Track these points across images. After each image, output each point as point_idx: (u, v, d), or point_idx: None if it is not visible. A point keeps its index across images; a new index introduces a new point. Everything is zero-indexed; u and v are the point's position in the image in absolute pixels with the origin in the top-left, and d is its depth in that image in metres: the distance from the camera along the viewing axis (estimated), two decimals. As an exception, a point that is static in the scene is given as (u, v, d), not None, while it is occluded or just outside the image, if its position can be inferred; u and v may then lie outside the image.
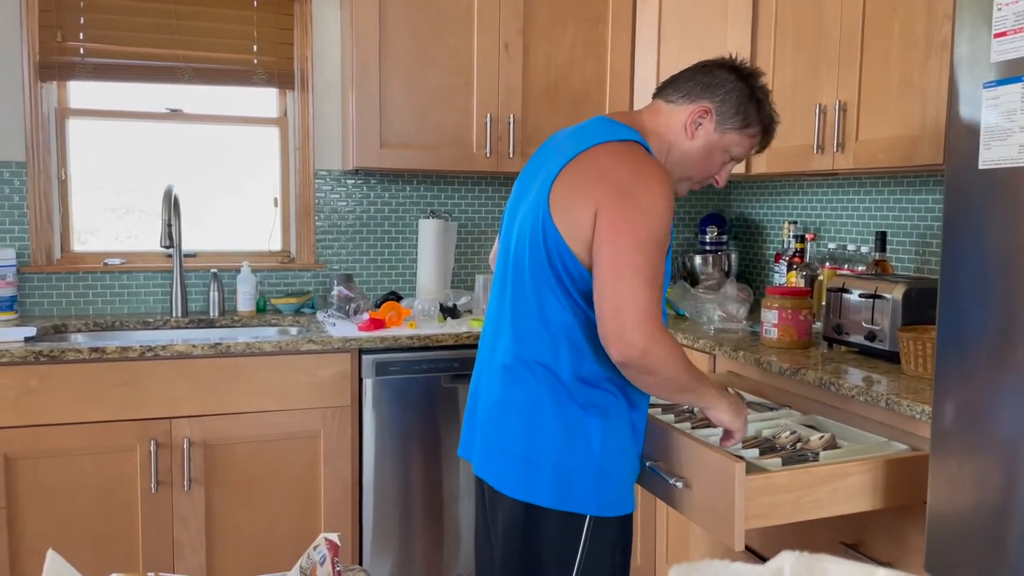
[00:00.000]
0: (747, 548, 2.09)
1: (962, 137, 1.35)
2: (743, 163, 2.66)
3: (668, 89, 1.59)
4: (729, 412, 1.51)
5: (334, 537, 0.86)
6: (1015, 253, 1.27)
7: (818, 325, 2.42)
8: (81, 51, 2.69)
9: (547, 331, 1.46)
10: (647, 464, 1.58)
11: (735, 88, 1.55)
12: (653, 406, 1.87)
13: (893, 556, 1.68)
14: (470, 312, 2.87)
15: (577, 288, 1.43)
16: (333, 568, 0.83)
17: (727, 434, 1.56)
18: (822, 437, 1.66)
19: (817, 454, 1.55)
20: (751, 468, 1.45)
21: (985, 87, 1.29)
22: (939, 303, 1.41)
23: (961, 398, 1.37)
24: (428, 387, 2.50)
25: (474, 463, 1.58)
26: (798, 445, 1.63)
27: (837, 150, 2.24)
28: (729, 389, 2.02)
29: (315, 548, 0.87)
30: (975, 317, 1.34)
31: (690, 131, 1.56)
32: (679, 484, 1.49)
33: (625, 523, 1.51)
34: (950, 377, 1.39)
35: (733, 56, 1.62)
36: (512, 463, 1.48)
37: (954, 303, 1.38)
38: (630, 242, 1.35)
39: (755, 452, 1.57)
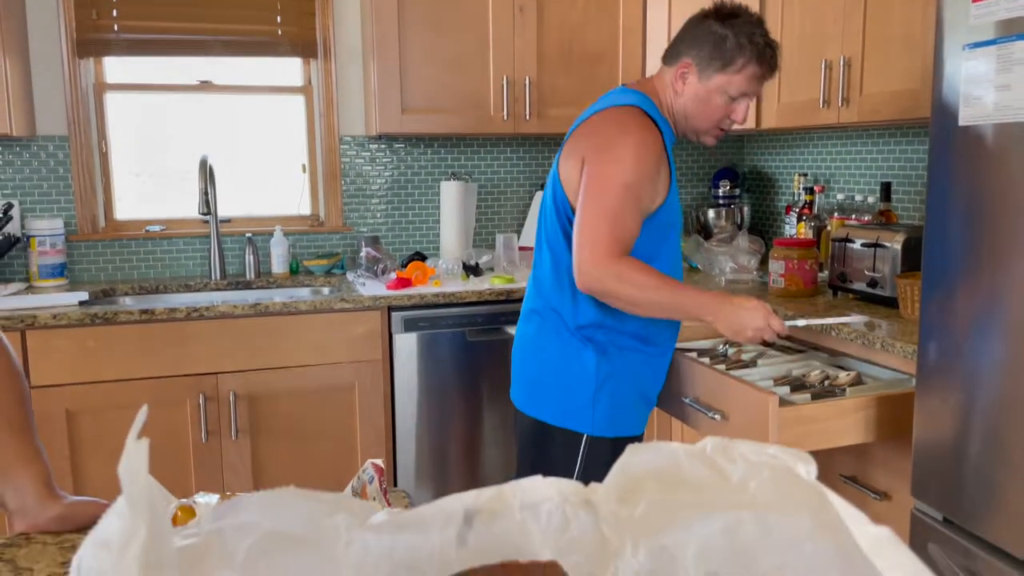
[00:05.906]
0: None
1: (946, 95, 1.45)
2: (754, 117, 2.74)
3: (665, 52, 1.74)
4: (723, 321, 1.56)
5: (379, 462, 1.01)
6: (991, 202, 1.37)
7: (825, 274, 2.52)
8: (115, 28, 2.81)
9: (557, 280, 1.67)
10: (686, 400, 1.74)
11: (710, 35, 1.63)
12: (687, 351, 1.95)
13: (887, 485, 1.82)
14: (491, 270, 3.00)
15: None
16: (380, 486, 0.97)
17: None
18: (848, 375, 1.79)
19: (844, 389, 1.69)
20: (783, 402, 1.60)
21: (965, 48, 1.38)
22: (923, 249, 1.52)
23: (944, 337, 1.49)
24: (454, 341, 2.64)
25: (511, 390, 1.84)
26: (826, 383, 1.76)
27: (842, 104, 2.31)
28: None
29: (363, 471, 1.01)
30: (957, 261, 1.45)
31: (678, 87, 1.69)
32: (717, 417, 1.65)
33: (620, 445, 1.67)
34: (934, 317, 1.51)
35: (723, 2, 1.67)
36: (526, 385, 1.75)
37: (938, 248, 1.49)
38: (597, 185, 1.53)
39: (786, 389, 1.71)
